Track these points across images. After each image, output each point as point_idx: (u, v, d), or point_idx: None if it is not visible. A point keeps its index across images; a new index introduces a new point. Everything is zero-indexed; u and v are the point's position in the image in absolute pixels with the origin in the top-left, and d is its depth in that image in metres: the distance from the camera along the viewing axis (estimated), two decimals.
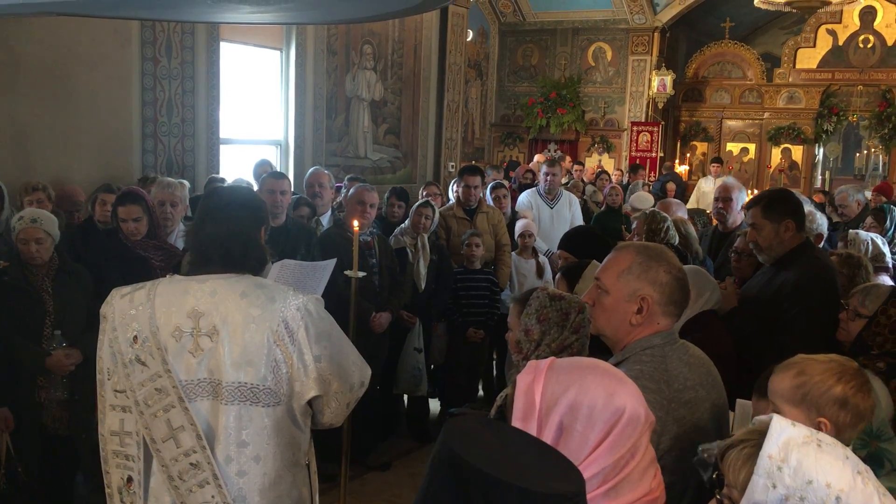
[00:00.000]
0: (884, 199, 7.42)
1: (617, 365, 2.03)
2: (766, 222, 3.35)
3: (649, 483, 1.42)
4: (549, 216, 6.78)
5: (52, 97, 5.64)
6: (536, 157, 11.67)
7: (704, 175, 13.24)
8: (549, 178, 6.88)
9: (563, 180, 10.24)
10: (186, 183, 5.07)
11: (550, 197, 6.88)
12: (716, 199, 5.00)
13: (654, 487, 1.43)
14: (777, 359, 3.16)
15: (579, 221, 6.95)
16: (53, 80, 5.64)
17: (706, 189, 11.46)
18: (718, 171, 12.41)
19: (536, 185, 7.27)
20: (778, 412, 1.74)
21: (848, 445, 1.42)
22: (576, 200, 7.21)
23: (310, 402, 2.17)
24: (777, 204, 3.37)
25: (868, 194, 7.05)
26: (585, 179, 10.94)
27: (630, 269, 2.05)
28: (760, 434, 1.33)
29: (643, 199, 7.70)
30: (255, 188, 5.17)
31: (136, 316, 2.10)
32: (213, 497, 2.03)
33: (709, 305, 3.08)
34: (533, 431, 1.39)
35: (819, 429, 1.41)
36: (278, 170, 7.01)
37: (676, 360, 2.03)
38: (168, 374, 2.05)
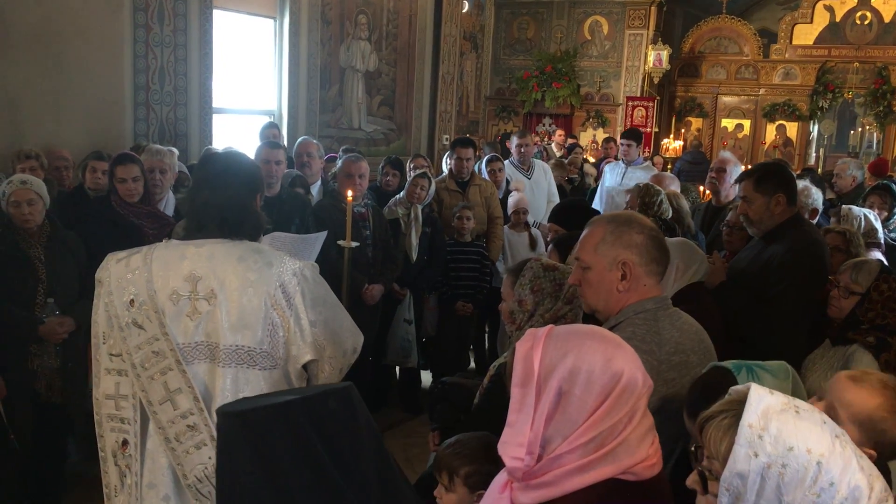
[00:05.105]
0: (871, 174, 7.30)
1: (611, 329, 2.05)
2: (757, 195, 3.34)
3: (647, 450, 1.43)
4: (529, 187, 6.77)
5: (43, 64, 5.56)
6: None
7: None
8: (522, 149, 6.88)
9: (557, 153, 10.26)
10: (175, 150, 5.04)
11: (525, 168, 6.89)
12: (710, 170, 5.00)
13: (651, 454, 1.44)
14: (765, 333, 3.15)
15: (554, 189, 6.99)
16: (44, 47, 5.56)
17: (610, 184, 6.96)
18: (628, 152, 7.02)
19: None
20: (835, 417, 1.73)
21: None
22: (549, 168, 7.20)
23: (305, 366, 2.19)
24: (769, 177, 3.37)
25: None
26: (556, 150, 10.65)
27: (604, 239, 2.09)
28: (739, 404, 1.33)
29: None
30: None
31: (132, 280, 2.11)
32: (210, 458, 2.05)
33: (696, 277, 3.09)
34: (532, 396, 1.40)
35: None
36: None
37: (669, 324, 2.07)
38: (165, 337, 2.07)
